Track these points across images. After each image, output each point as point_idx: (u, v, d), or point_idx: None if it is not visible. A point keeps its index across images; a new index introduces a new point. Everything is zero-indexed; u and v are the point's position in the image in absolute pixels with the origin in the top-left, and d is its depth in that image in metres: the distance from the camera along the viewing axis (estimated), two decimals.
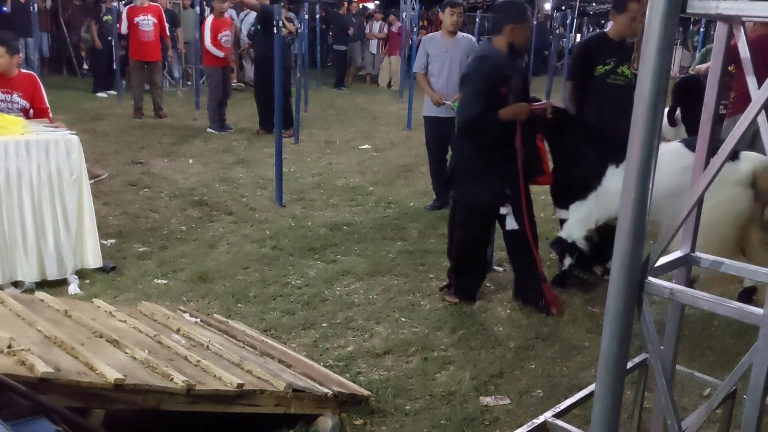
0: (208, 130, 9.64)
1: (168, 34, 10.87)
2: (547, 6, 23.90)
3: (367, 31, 17.02)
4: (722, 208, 3.83)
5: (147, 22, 10.23)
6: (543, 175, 4.29)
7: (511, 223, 4.18)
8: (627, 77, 4.45)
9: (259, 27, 9.98)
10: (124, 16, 10.61)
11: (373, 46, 17.10)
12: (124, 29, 10.65)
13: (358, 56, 17.00)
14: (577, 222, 4.40)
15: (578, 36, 22.06)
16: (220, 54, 9.60)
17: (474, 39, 6.32)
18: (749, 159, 4.02)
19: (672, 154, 4.09)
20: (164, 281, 4.53)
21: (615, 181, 4.07)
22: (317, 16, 14.59)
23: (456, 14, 5.97)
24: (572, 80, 4.87)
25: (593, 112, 4.66)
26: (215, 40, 9.63)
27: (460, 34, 6.12)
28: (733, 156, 3.86)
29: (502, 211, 4.18)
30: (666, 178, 4.12)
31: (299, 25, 11.50)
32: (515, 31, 4.01)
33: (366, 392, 3.22)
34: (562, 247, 4.51)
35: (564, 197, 4.51)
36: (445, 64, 5.99)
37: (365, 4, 20.80)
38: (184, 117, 10.85)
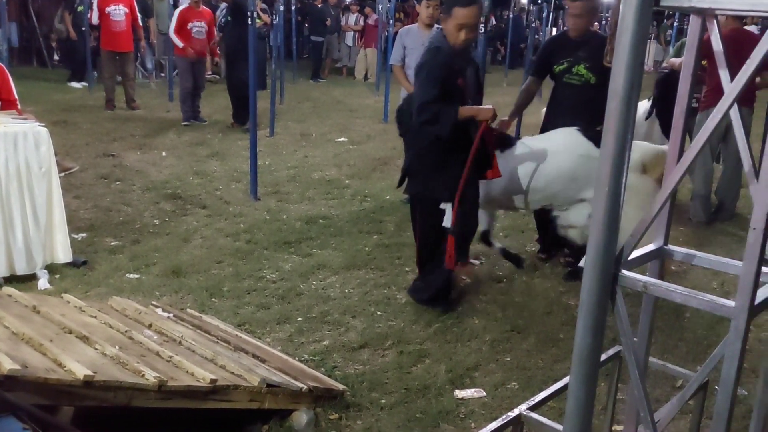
0: (183, 123, 9.54)
1: (140, 24, 10.70)
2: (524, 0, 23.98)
3: (343, 23, 16.95)
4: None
5: (118, 12, 10.07)
6: (492, 168, 4.18)
7: (447, 221, 4.03)
8: (582, 77, 4.44)
9: (229, 18, 9.86)
10: (95, 6, 10.42)
11: (350, 38, 17.04)
12: (95, 19, 10.48)
13: (334, 48, 16.93)
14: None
15: (554, 30, 22.16)
16: (179, 44, 9.40)
17: None
18: (638, 148, 4.18)
19: (570, 141, 4.30)
20: (136, 276, 4.47)
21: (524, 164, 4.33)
22: (293, 8, 14.51)
23: (432, 7, 5.81)
24: (532, 75, 5.05)
25: (551, 109, 4.77)
26: (180, 30, 9.44)
27: (437, 26, 6.01)
28: None
29: (442, 206, 4.06)
30: (564, 164, 4.26)
31: (274, 16, 11.41)
32: (461, 15, 3.81)
33: (341, 386, 3.20)
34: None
35: None
36: None
37: None
38: (157, 109, 10.72)
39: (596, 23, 16.83)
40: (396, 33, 7.11)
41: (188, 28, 9.49)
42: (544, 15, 19.59)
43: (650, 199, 4.19)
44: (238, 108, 9.27)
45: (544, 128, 4.78)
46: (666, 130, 6.06)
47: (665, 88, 5.94)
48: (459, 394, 3.28)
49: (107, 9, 10.05)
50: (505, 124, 4.70)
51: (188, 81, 9.56)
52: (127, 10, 10.15)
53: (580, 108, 4.49)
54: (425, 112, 3.85)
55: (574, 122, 4.42)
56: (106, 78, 10.44)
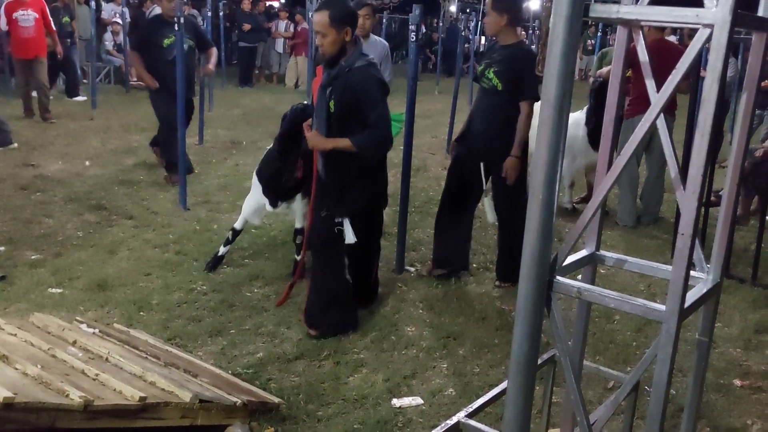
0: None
1: (54, 28, 10.27)
2: (453, 8, 24.34)
3: (273, 30, 16.79)
4: None
5: (27, 18, 9.66)
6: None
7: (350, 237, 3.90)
8: (490, 80, 4.39)
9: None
10: (2, 12, 9.97)
11: (280, 45, 16.89)
12: (3, 26, 10.01)
13: (265, 56, 16.76)
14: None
15: (483, 38, 22.53)
16: None
17: (387, 44, 5.75)
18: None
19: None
20: (59, 290, 4.29)
21: None
22: (221, 13, 14.29)
23: (362, 17, 5.23)
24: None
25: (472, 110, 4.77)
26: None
27: (373, 37, 5.59)
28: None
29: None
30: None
31: (202, 22, 11.22)
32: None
33: (277, 399, 3.14)
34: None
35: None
36: None
37: (271, 2, 20.52)
38: (79, 116, 10.35)
39: (522, 32, 17.20)
40: None
41: (13, 17, 9.35)
42: (472, 25, 19.93)
43: None
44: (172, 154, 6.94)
45: (465, 129, 4.69)
46: (593, 139, 6.22)
47: (601, 97, 6.07)
48: (397, 402, 3.27)
49: (15, 14, 9.64)
50: None
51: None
52: (37, 15, 9.75)
53: (486, 112, 4.49)
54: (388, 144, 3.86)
55: (480, 126, 4.48)
56: (20, 86, 10.05)
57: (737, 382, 3.57)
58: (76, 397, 2.41)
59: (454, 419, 2.29)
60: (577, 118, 6.25)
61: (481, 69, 4.53)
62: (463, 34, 14.71)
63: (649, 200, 6.39)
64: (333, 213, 3.84)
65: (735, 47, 9.14)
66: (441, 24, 22.39)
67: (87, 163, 7.54)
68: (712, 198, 5.24)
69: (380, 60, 5.26)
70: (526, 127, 4.33)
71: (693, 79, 5.14)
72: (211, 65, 7.18)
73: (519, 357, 1.75)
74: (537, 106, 7.21)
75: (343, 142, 3.69)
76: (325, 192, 3.90)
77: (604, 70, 6.29)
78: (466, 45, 16.71)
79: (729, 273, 5.00)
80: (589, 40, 18.12)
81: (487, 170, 4.62)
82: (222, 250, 4.79)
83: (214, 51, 7.19)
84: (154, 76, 6.72)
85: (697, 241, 1.74)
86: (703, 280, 1.98)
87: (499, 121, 4.41)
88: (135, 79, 13.70)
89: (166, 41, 6.65)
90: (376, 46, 5.50)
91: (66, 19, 11.58)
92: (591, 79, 8.20)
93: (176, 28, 5.94)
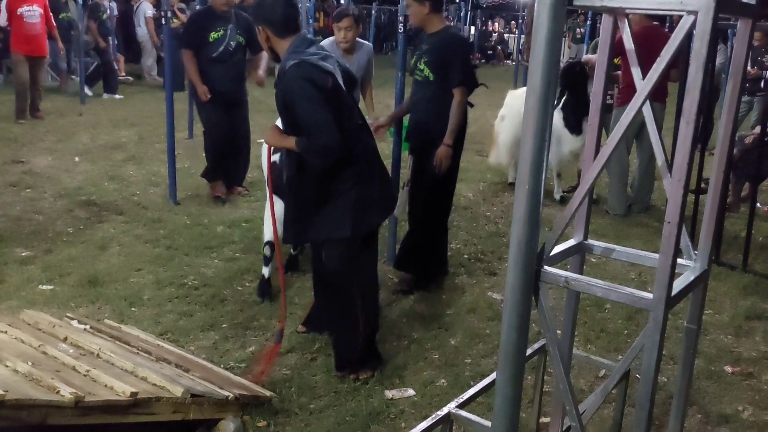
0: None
1: (54, 24, 10.07)
2: None
3: None
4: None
5: (33, 13, 9.28)
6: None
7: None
8: (422, 71, 4.22)
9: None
10: (2, 6, 9.53)
11: None
12: (2, 21, 9.60)
13: None
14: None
15: (472, 28, 22.53)
16: None
17: (371, 46, 5.39)
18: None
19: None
20: (50, 287, 4.27)
21: None
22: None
23: (343, 30, 4.82)
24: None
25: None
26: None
27: (357, 43, 5.05)
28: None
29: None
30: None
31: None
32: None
33: (269, 393, 3.14)
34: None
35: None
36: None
37: None
38: (68, 112, 10.29)
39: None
40: (315, 31, 6.88)
41: (18, 13, 9.06)
42: (461, 14, 19.90)
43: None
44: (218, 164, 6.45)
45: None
46: (569, 123, 6.21)
47: (568, 78, 6.04)
48: (389, 394, 3.27)
49: (20, 10, 9.25)
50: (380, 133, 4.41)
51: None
52: (42, 11, 9.40)
53: (420, 104, 4.28)
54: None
55: (418, 119, 4.30)
56: (21, 84, 9.40)
57: (728, 369, 3.59)
58: (67, 393, 2.40)
59: (445, 410, 2.30)
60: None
61: (414, 61, 4.32)
62: (452, 24, 14.64)
63: (639, 188, 6.40)
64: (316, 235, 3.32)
65: (724, 34, 9.13)
66: None
67: (76, 159, 7.50)
68: (702, 185, 5.26)
69: (365, 65, 5.05)
70: (459, 114, 4.11)
71: (682, 67, 5.14)
72: (262, 70, 6.16)
73: (507, 347, 1.75)
74: (513, 95, 7.31)
75: (290, 142, 3.16)
76: (295, 208, 3.34)
77: (593, 57, 6.28)
78: None
79: (720, 260, 5.03)
80: (578, 29, 18.10)
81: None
82: (265, 271, 4.28)
83: (264, 55, 5.96)
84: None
85: (684, 229, 1.74)
86: (690, 268, 1.98)
87: (434, 112, 4.19)
88: (123, 74, 13.67)
89: (214, 35, 5.90)
90: (361, 51, 5.06)
91: (65, 15, 11.40)
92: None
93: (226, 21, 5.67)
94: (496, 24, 28.33)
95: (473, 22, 22.74)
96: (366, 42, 5.26)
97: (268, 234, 4.22)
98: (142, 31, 13.52)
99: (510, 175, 7.19)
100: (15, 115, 9.32)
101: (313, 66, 3.08)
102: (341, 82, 3.19)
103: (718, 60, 7.87)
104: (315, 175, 3.20)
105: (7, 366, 2.58)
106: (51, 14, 9.86)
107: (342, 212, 3.20)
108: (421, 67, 4.21)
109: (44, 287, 4.26)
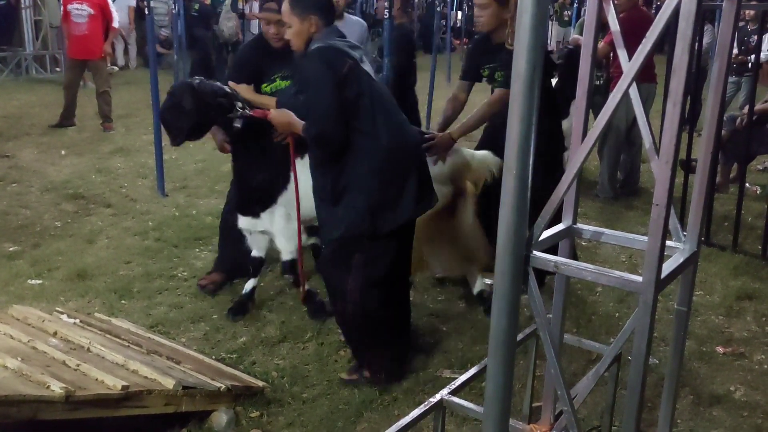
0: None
1: (115, 27, 9.26)
2: None
3: (247, 11, 16.55)
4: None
5: (80, 13, 8.57)
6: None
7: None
8: (499, 82, 3.81)
9: None
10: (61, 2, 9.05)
11: (255, 26, 16.68)
12: (57, 20, 9.10)
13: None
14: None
15: (459, 13, 22.42)
16: None
17: (365, 24, 5.21)
18: (451, 157, 3.76)
19: None
20: (38, 281, 4.24)
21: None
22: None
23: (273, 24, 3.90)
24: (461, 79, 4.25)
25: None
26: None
27: (347, 17, 5.05)
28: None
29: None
30: None
31: (173, 6, 11.04)
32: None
33: (261, 383, 3.14)
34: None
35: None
36: None
37: None
38: (54, 106, 10.18)
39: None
40: None
41: (68, 10, 8.55)
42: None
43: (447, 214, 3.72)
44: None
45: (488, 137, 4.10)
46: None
47: (569, 64, 5.99)
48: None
49: (69, 7, 8.63)
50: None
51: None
52: (93, 12, 8.64)
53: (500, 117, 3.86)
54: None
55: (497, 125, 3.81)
56: (65, 86, 8.92)
57: (719, 350, 3.61)
58: (57, 388, 2.39)
59: (438, 396, 2.29)
60: None
61: (486, 74, 3.93)
62: (438, 10, 14.55)
63: (628, 171, 6.40)
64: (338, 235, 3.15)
65: (712, 14, 9.12)
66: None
67: (63, 152, 7.44)
68: (692, 164, 5.26)
69: (360, 43, 4.53)
70: (487, 110, 3.77)
71: (670, 48, 5.12)
72: None
73: (498, 333, 1.74)
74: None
75: (297, 126, 3.15)
76: (320, 202, 3.20)
77: (580, 38, 6.24)
78: (442, 21, 16.58)
79: (709, 240, 5.04)
80: (565, 11, 18.04)
81: None
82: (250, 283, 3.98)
83: None
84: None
85: (672, 211, 1.74)
86: (680, 250, 1.98)
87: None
88: (110, 65, 13.53)
89: (268, 87, 3.94)
90: (353, 26, 4.88)
91: None
92: (557, 47, 8.02)
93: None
94: None
95: (460, 7, 22.61)
96: (359, 19, 5.25)
97: (291, 249, 3.80)
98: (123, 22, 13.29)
99: None
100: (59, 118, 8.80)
101: (334, 49, 3.03)
102: (369, 70, 3.15)
103: (705, 40, 7.86)
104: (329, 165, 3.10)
105: None
106: (112, 15, 9.03)
107: (361, 208, 3.05)
108: (499, 78, 3.81)
109: (33, 282, 4.23)
